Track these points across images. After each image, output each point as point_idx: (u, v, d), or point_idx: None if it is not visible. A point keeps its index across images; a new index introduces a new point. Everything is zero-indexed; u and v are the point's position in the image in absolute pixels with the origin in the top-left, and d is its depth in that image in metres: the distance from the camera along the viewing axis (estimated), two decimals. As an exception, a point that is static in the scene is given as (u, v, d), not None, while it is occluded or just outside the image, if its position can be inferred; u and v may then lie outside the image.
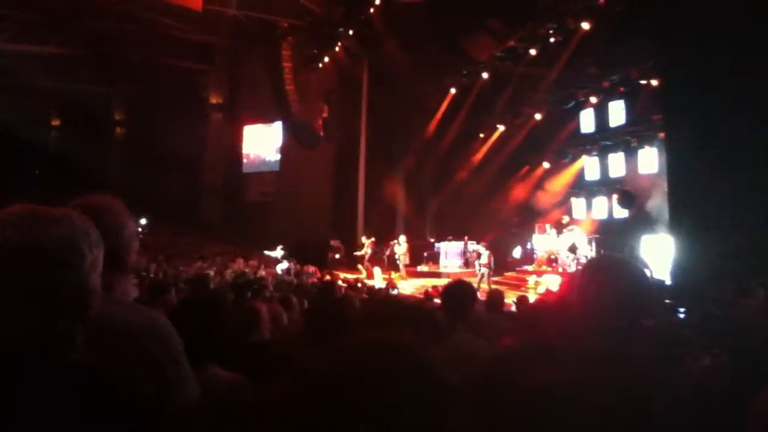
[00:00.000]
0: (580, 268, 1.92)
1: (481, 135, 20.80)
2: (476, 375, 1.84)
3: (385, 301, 1.73)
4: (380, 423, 0.99)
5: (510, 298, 9.65)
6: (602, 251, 16.21)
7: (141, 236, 21.03)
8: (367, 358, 1.06)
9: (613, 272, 1.75)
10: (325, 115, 21.99)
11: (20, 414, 1.00)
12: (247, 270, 17.13)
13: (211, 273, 14.40)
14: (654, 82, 14.52)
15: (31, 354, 1.04)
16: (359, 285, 12.81)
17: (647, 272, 1.85)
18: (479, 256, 16.86)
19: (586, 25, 14.99)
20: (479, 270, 16.20)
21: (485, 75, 18.50)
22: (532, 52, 16.71)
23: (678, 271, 8.55)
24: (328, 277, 14.51)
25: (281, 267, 17.67)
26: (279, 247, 19.19)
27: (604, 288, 1.69)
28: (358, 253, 19.22)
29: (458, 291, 3.63)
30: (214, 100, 26.33)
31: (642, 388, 1.59)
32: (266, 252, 19.25)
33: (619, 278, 1.71)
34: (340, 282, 12.48)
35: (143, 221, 23.70)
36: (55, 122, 27.25)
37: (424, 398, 1.02)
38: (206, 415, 1.87)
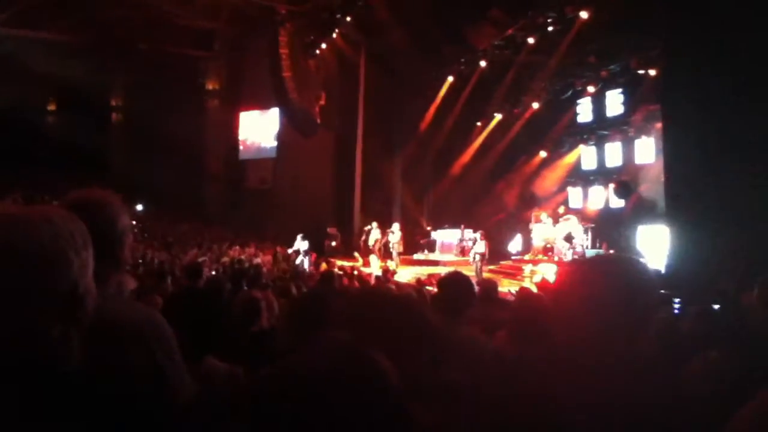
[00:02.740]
0: (580, 262, 1.85)
1: (479, 123, 20.79)
2: (479, 377, 1.83)
3: (369, 299, 1.68)
4: None
5: (505, 287, 9.70)
6: (598, 241, 16.30)
7: (140, 224, 21.08)
8: (316, 377, 1.04)
9: (618, 269, 1.70)
10: (323, 102, 21.91)
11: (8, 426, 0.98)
12: (243, 257, 17.15)
13: (207, 260, 14.43)
14: (652, 72, 14.52)
15: (21, 364, 1.01)
16: (355, 273, 12.86)
17: (648, 267, 1.81)
18: (475, 244, 16.87)
19: (584, 14, 14.92)
20: (474, 259, 16.20)
21: (483, 63, 18.42)
22: (531, 40, 16.64)
23: (673, 262, 8.58)
24: (324, 266, 14.51)
25: (301, 260, 17.45)
26: (299, 237, 18.82)
27: (609, 285, 1.64)
28: (369, 241, 18.97)
29: (455, 284, 3.62)
30: (211, 86, 26.25)
31: (651, 392, 1.56)
32: (290, 249, 18.90)
33: (624, 275, 1.66)
34: (336, 270, 12.51)
35: (139, 207, 23.71)
36: (52, 107, 27.15)
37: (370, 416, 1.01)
38: (204, 409, 1.87)
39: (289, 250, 18.60)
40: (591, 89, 17.31)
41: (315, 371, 1.05)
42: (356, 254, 18.84)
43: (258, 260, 17.00)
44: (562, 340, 1.70)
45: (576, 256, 15.35)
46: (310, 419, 0.98)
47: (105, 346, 1.27)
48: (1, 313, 1.01)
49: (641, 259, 1.76)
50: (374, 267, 16.43)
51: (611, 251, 15.36)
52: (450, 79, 19.93)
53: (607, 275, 1.68)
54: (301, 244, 18.36)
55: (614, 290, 1.62)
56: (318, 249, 18.89)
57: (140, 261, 12.81)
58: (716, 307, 4.17)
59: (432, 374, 1.49)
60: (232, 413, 1.84)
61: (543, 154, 19.87)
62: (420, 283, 10.24)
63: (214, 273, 11.51)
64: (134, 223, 21.36)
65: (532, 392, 1.66)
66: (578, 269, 1.83)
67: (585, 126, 18.35)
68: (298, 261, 17.57)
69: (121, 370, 1.29)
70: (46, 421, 1.01)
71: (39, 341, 1.03)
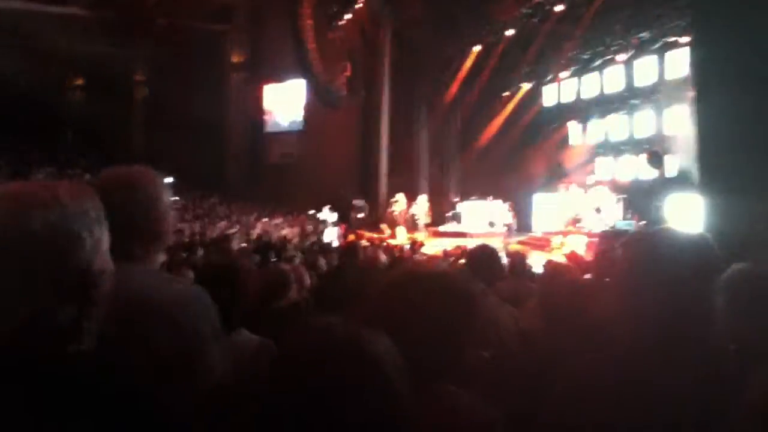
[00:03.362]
0: (622, 241, 1.58)
1: (506, 94, 20.53)
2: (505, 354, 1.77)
3: (409, 275, 1.63)
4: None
5: (533, 259, 9.61)
6: (629, 212, 16.05)
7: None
8: (310, 358, 1.04)
9: (667, 250, 1.44)
10: (347, 74, 21.77)
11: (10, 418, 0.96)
12: (270, 230, 17.25)
13: (235, 232, 14.54)
14: (683, 40, 14.14)
15: (31, 349, 0.98)
16: (384, 245, 12.86)
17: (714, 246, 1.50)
18: (503, 216, 16.75)
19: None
20: (503, 230, 16.10)
21: (511, 32, 18.13)
22: (558, 8, 16.32)
23: (709, 234, 8.40)
24: (351, 237, 14.55)
25: (330, 233, 17.49)
26: (326, 209, 18.81)
27: (657, 270, 1.41)
28: (394, 212, 18.98)
29: (483, 257, 3.59)
30: (234, 60, 26.18)
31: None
32: (317, 214, 18.92)
33: (675, 259, 1.42)
34: (364, 242, 12.52)
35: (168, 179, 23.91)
36: (78, 83, 27.34)
37: (367, 400, 1.00)
38: (237, 380, 1.85)
39: (321, 216, 18.71)
40: (621, 58, 16.96)
41: (298, 357, 1.06)
42: (383, 226, 18.84)
43: (285, 232, 17.10)
44: (596, 322, 1.62)
45: (606, 228, 15.16)
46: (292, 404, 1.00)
47: (128, 326, 1.25)
48: (9, 297, 0.98)
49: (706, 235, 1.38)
50: (401, 238, 16.43)
51: (643, 222, 15.15)
52: (476, 48, 19.64)
53: (652, 259, 1.45)
54: (329, 215, 18.41)
55: (675, 270, 1.39)
56: (345, 221, 18.96)
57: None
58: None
59: (469, 355, 1.45)
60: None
61: (571, 124, 19.60)
62: (447, 254, 10.20)
63: (244, 245, 11.61)
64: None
65: (558, 371, 1.57)
66: (613, 250, 1.73)
67: (615, 95, 17.99)
68: (326, 233, 17.65)
69: (143, 350, 1.26)
70: (54, 410, 0.98)
71: (50, 324, 1.01)
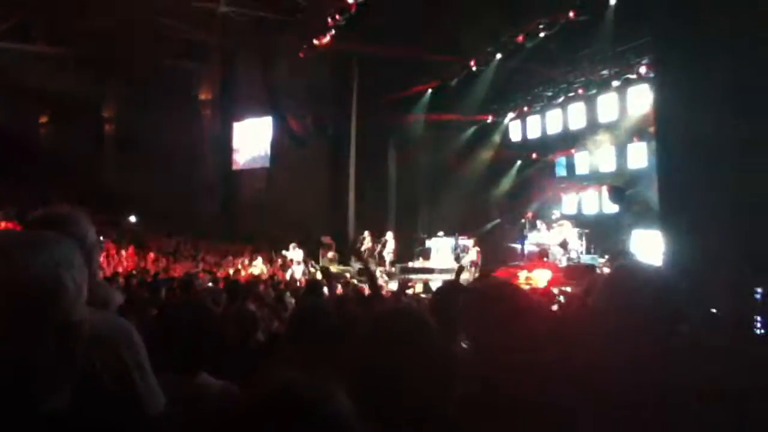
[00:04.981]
0: (605, 272, 1.76)
1: (473, 128, 20.93)
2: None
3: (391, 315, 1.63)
4: None
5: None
6: (593, 246, 16.30)
7: (134, 235, 21.03)
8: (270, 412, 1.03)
9: (643, 277, 1.68)
10: (316, 111, 21.93)
11: None
12: (238, 268, 17.11)
13: (201, 272, 14.37)
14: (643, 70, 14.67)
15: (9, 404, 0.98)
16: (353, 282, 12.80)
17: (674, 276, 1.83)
18: (467, 251, 16.87)
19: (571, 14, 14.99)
20: (468, 267, 16.22)
21: (474, 67, 18.54)
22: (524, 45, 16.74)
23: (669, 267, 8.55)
24: (319, 276, 14.48)
25: (294, 270, 17.37)
26: (292, 246, 18.76)
27: (636, 294, 1.63)
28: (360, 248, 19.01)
29: (450, 293, 3.59)
30: (204, 97, 26.18)
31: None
32: (284, 252, 18.88)
33: (650, 283, 1.65)
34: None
35: (132, 219, 23.63)
36: (45, 120, 27.06)
37: None
38: (193, 426, 1.84)
39: (287, 257, 18.65)
40: (581, 92, 17.46)
41: (257, 413, 1.05)
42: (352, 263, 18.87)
43: (253, 271, 16.98)
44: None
45: (571, 262, 15.37)
46: None
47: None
48: None
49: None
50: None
51: (607, 256, 15.41)
52: (435, 84, 19.99)
53: (631, 284, 1.68)
54: (294, 253, 18.36)
55: (642, 297, 1.61)
56: (314, 258, 18.92)
57: (134, 273, 12.73)
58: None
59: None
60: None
61: (534, 156, 20.01)
62: (404, 286, 10.15)
63: (210, 284, 11.45)
64: (128, 233, 21.36)
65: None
66: (596, 281, 1.80)
67: (578, 132, 18.39)
68: (290, 271, 17.58)
69: (87, 374, 1.26)
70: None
71: (33, 377, 1.00)
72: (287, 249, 18.79)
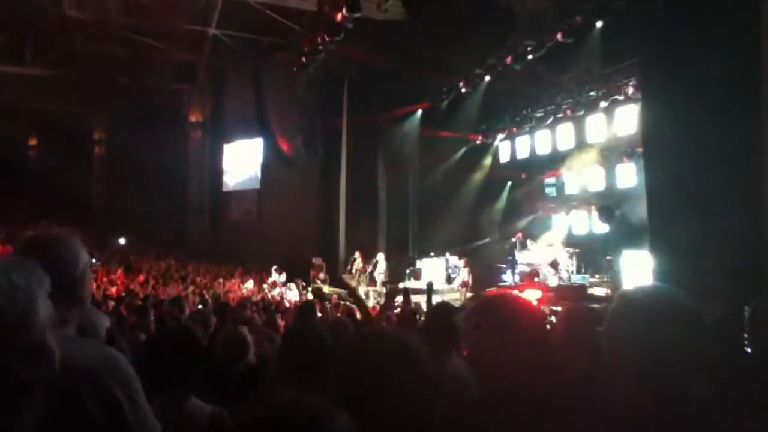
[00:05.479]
0: (613, 301, 1.55)
1: (464, 149, 21.04)
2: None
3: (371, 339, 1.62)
4: None
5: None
6: (583, 266, 16.32)
7: (123, 258, 20.90)
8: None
9: (655, 310, 1.45)
10: (306, 132, 21.97)
11: None
12: (227, 289, 17.01)
13: (190, 294, 14.28)
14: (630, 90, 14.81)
15: None
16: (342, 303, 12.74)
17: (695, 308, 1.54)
18: (458, 271, 16.89)
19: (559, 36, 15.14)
20: (458, 287, 16.25)
21: (463, 89, 18.70)
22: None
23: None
24: (310, 296, 14.42)
25: (291, 294, 17.34)
26: (274, 269, 18.82)
27: (647, 331, 1.42)
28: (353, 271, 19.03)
29: (442, 315, 3.57)
30: (194, 119, 26.22)
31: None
32: (272, 278, 18.93)
33: (667, 320, 1.43)
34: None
35: (122, 241, 23.50)
36: (34, 142, 27.04)
37: None
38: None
39: (268, 281, 18.71)
40: (570, 113, 17.62)
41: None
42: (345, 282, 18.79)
43: (243, 293, 16.89)
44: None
45: (561, 282, 15.38)
46: None
47: (63, 389, 1.22)
48: None
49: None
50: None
51: (597, 276, 15.47)
52: (426, 105, 20.14)
53: (641, 318, 1.48)
54: (276, 276, 18.49)
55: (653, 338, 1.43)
56: (304, 280, 18.86)
57: (123, 296, 12.62)
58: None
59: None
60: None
61: (524, 176, 20.12)
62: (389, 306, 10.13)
63: (200, 307, 11.37)
64: (117, 255, 21.24)
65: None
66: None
67: (566, 152, 18.50)
68: (275, 292, 17.55)
69: (77, 410, 1.24)
70: None
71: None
72: (279, 272, 18.85)
